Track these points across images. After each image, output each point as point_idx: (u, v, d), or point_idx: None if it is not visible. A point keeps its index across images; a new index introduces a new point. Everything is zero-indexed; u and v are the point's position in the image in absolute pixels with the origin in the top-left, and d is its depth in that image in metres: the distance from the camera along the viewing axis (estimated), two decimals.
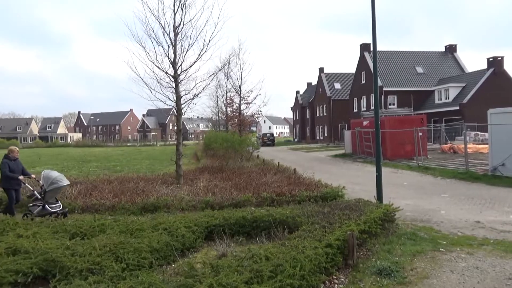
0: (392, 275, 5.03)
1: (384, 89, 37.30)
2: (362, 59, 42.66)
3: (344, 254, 5.37)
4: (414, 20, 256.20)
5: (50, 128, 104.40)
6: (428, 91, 38.58)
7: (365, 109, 40.55)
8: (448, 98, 35.48)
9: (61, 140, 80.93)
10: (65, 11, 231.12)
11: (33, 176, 8.90)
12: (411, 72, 40.53)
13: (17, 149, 9.24)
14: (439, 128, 27.64)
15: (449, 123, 27.74)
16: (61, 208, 8.66)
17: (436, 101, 36.90)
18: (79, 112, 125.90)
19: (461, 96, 33.88)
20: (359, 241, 5.91)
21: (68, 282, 4.53)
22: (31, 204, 8.48)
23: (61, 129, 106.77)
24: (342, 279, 5.04)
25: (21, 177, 8.69)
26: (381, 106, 34.46)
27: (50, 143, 71.37)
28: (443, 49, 44.59)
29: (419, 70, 40.92)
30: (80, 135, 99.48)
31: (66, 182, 8.73)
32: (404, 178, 14.80)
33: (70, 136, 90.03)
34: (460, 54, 44.55)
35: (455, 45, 44.19)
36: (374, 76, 8.80)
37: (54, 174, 8.63)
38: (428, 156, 21.50)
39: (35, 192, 8.47)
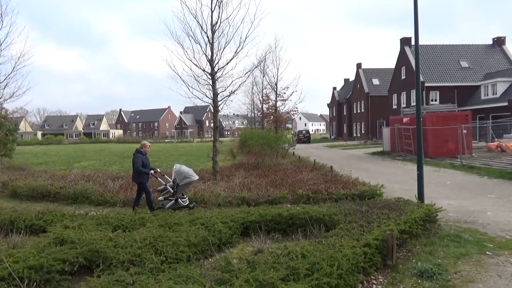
0: (434, 277, 4.84)
1: (426, 84, 35.88)
2: (402, 54, 41.25)
3: (383, 254, 5.23)
4: (455, 11, 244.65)
5: (93, 125, 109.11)
6: (473, 86, 36.71)
7: (405, 105, 39.21)
8: (496, 94, 33.59)
9: (103, 137, 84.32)
10: (104, 12, 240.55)
11: (158, 170, 8.94)
12: (455, 66, 38.71)
13: (149, 144, 9.38)
14: (485, 125, 26.27)
15: (497, 120, 26.25)
16: (188, 202, 8.82)
17: (483, 97, 35.06)
18: (120, 110, 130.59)
19: (510, 92, 31.98)
20: (399, 242, 5.74)
21: (111, 272, 4.72)
22: (162, 198, 8.62)
23: (104, 126, 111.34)
24: (381, 280, 4.91)
25: (152, 172, 8.81)
26: (423, 102, 33.19)
27: (93, 139, 74.55)
28: (490, 42, 42.24)
29: (464, 64, 39.00)
30: (121, 131, 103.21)
31: (196, 177, 8.85)
32: (447, 177, 14.20)
33: (112, 133, 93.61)
34: (510, 47, 42.04)
35: (504, 37, 41.68)
36: (416, 71, 8.48)
37: (186, 168, 8.73)
38: (473, 154, 20.48)
39: (168, 186, 8.57)
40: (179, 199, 8.48)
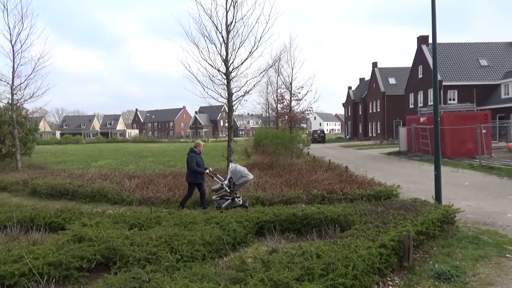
0: (452, 280, 4.76)
1: (444, 83, 35.25)
2: (419, 53, 40.62)
3: (399, 255, 5.17)
4: (473, 8, 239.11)
5: (110, 125, 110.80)
6: (493, 85, 35.89)
7: (422, 104, 38.60)
8: None
9: (120, 136, 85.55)
10: (119, 13, 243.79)
11: (210, 169, 9.01)
12: (473, 65, 37.91)
13: (203, 143, 9.47)
14: (505, 124, 25.65)
15: None
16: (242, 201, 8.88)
17: (503, 96, 34.26)
18: (136, 110, 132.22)
19: None
20: (416, 243, 5.66)
21: (128, 269, 4.79)
22: (218, 198, 8.67)
23: (120, 126, 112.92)
24: (397, 281, 4.85)
25: (207, 171, 8.86)
26: (440, 102, 32.60)
27: (110, 138, 75.68)
28: (510, 40, 41.24)
29: (483, 62, 38.16)
30: (137, 131, 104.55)
31: (251, 176, 8.93)
32: (465, 178, 13.92)
33: (128, 132, 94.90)
34: None
35: None
36: (433, 69, 8.34)
37: (242, 168, 8.80)
38: (493, 154, 20.03)
39: (224, 185, 8.57)
40: (235, 198, 8.52)
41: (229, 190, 8.48)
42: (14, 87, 17.08)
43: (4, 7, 16.60)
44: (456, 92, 36.07)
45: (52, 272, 4.87)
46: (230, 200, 8.44)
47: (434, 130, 8.34)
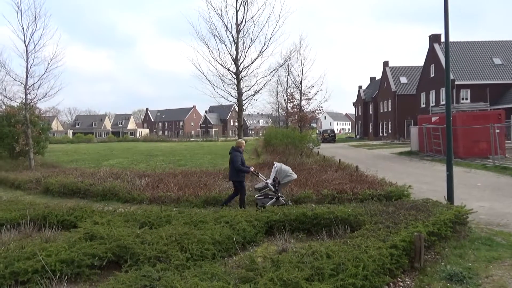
0: (465, 281, 4.69)
1: (456, 82, 34.77)
2: (431, 51, 40.13)
3: (410, 256, 5.12)
4: (485, 6, 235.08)
5: (121, 124, 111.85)
6: (507, 84, 35.28)
7: (434, 104, 38.14)
8: None
9: (130, 135, 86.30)
10: (129, 13, 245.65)
11: (252, 169, 8.97)
12: (487, 63, 37.31)
13: (244, 142, 9.52)
14: None
15: None
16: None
17: None
18: (147, 109, 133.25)
19: None
20: (427, 244, 5.60)
21: (138, 267, 4.83)
22: (261, 196, 8.68)
23: (131, 125, 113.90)
24: (408, 282, 4.81)
25: (252, 169, 8.85)
26: (453, 101, 32.18)
27: (121, 138, 76.44)
28: None
29: (497, 61, 37.53)
30: (147, 130, 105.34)
31: (295, 175, 8.92)
32: (478, 178, 13.72)
33: (139, 132, 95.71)
34: None
35: None
36: (446, 68, 8.24)
37: (286, 167, 8.79)
38: (507, 155, 19.70)
39: (269, 184, 8.53)
40: (280, 197, 8.52)
41: (273, 189, 8.47)
42: (27, 87, 17.36)
43: (18, 8, 16.90)
44: (469, 91, 35.57)
45: (64, 269, 4.94)
46: (274, 199, 8.45)
47: (446, 129, 8.23)
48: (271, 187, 8.47)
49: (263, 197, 8.59)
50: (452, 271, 4.88)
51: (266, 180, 8.71)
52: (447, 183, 7.99)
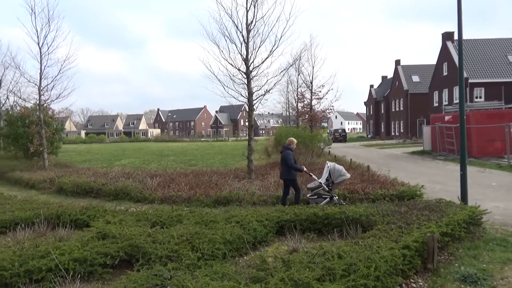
0: (479, 283, 4.61)
1: (470, 81, 34.22)
2: (444, 49, 39.58)
3: (423, 257, 5.05)
4: (497, 2, 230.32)
5: (133, 124, 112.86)
6: None
7: (447, 103, 37.62)
8: None
9: (142, 135, 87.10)
10: (141, 15, 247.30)
11: (305, 169, 8.85)
12: (501, 61, 36.61)
13: (295, 140, 9.39)
14: None
15: None
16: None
17: None
18: (158, 109, 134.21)
19: None
20: (440, 244, 5.52)
21: (150, 267, 4.87)
22: (314, 196, 8.69)
23: (143, 125, 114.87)
24: (421, 283, 4.74)
25: (305, 169, 8.80)
26: (466, 100, 31.69)
27: (133, 138, 77.14)
28: None
29: None
30: (159, 130, 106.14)
31: (349, 175, 8.92)
32: (492, 178, 13.48)
33: (150, 132, 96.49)
34: None
35: None
36: (459, 66, 8.11)
37: (340, 167, 8.76)
38: None
39: (323, 184, 8.49)
40: (334, 197, 8.50)
41: (327, 189, 8.44)
42: (41, 88, 17.63)
43: (32, 11, 17.15)
44: (483, 89, 34.97)
45: (77, 268, 5.01)
46: (328, 198, 8.42)
47: (460, 128, 8.11)
48: (325, 186, 8.42)
49: (316, 196, 8.55)
50: (466, 272, 4.80)
51: (319, 179, 8.63)
52: (460, 183, 7.87)
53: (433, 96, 43.06)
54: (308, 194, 8.83)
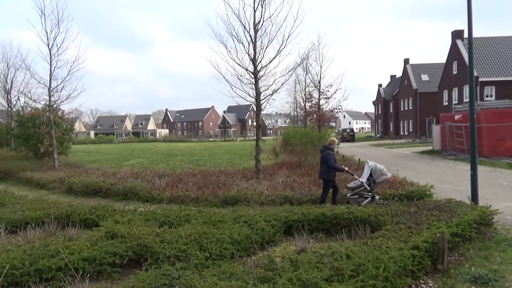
0: (490, 284, 4.54)
1: (480, 79, 33.79)
2: (454, 48, 39.15)
3: (433, 257, 5.00)
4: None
5: (141, 125, 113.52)
6: None
7: (457, 102, 37.21)
8: None
9: (150, 136, 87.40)
10: (148, 15, 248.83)
11: (345, 168, 8.84)
12: None
13: (336, 140, 9.36)
14: None
15: None
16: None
17: None
18: (166, 110, 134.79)
19: None
20: (451, 245, 5.46)
21: (158, 266, 4.89)
22: (355, 196, 8.58)
23: (151, 126, 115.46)
24: (431, 284, 4.69)
25: (346, 168, 8.80)
26: (477, 98, 31.29)
27: (141, 138, 77.51)
28: None
29: None
30: (167, 131, 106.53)
31: (390, 174, 8.88)
32: (503, 178, 13.30)
33: (159, 132, 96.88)
34: None
35: None
36: (469, 65, 8.01)
37: (381, 166, 8.71)
38: None
39: (365, 184, 8.42)
40: (375, 196, 8.45)
41: (369, 189, 8.39)
42: (51, 89, 17.81)
43: (42, 13, 17.33)
44: (493, 88, 34.52)
45: (86, 267, 5.04)
46: (370, 198, 8.36)
47: (470, 128, 8.01)
48: (366, 186, 8.36)
49: (357, 196, 8.50)
50: (477, 274, 4.74)
51: (360, 179, 8.57)
52: (471, 183, 7.78)
53: (443, 95, 42.61)
54: (348, 194, 8.76)
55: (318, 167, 14.84)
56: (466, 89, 34.62)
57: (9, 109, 25.52)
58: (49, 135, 18.55)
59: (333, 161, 8.52)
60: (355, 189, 8.58)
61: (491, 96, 34.36)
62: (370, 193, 8.38)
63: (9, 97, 25.45)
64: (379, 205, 7.96)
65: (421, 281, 4.70)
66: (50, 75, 17.73)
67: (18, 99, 25.30)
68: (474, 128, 7.94)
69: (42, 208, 8.55)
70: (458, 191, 10.16)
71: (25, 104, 22.74)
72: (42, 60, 18.19)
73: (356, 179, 8.73)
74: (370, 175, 8.41)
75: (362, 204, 8.15)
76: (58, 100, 18.29)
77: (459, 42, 38.06)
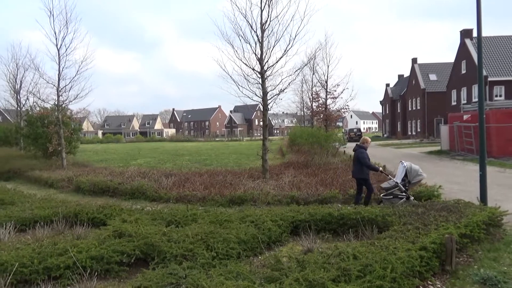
0: (499, 286, 4.49)
1: (490, 79, 33.43)
2: (462, 47, 38.79)
3: (441, 258, 4.96)
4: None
5: (148, 124, 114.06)
6: None
7: (465, 101, 36.85)
8: None
9: (157, 135, 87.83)
10: (156, 16, 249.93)
11: (380, 168, 8.74)
12: None
13: (370, 138, 9.26)
14: None
15: None
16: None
17: None
18: (173, 109, 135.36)
19: None
20: (459, 246, 5.41)
21: (165, 265, 4.91)
22: (389, 196, 8.47)
23: (158, 125, 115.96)
24: (439, 286, 4.65)
25: (380, 168, 8.70)
26: (486, 98, 30.95)
27: (148, 138, 77.89)
28: None
29: None
30: (174, 130, 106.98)
31: (425, 175, 8.75)
32: None
33: (166, 132, 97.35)
34: None
35: None
36: (478, 64, 7.93)
37: (416, 166, 8.62)
38: None
39: (400, 184, 8.31)
40: (410, 197, 8.38)
41: (404, 189, 8.32)
42: (59, 89, 17.95)
43: (51, 13, 17.48)
44: (503, 88, 34.14)
45: (94, 265, 5.09)
46: (404, 198, 8.27)
47: (479, 128, 7.93)
48: (401, 186, 8.29)
49: (392, 196, 8.41)
50: (486, 275, 4.69)
51: (394, 179, 8.49)
52: (480, 183, 7.70)
53: (451, 94, 42.24)
54: (381, 194, 8.67)
55: (325, 167, 14.82)
56: (475, 89, 34.29)
57: (19, 108, 25.78)
58: (57, 135, 18.71)
59: (368, 159, 8.42)
60: (389, 189, 8.47)
61: (500, 96, 33.98)
62: (405, 194, 8.28)
63: (19, 97, 25.72)
64: (414, 205, 7.82)
65: (429, 282, 4.66)
66: (58, 75, 17.89)
67: (27, 99, 25.56)
68: (483, 128, 7.86)
69: (50, 206, 8.63)
70: (466, 192, 10.07)
71: (34, 103, 22.95)
72: (51, 60, 18.38)
73: (390, 179, 8.63)
74: (405, 175, 8.32)
75: (397, 204, 8.01)
76: (66, 100, 18.44)
77: (468, 41, 37.69)
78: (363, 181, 8.59)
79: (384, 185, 8.74)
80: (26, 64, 24.37)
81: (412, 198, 8.36)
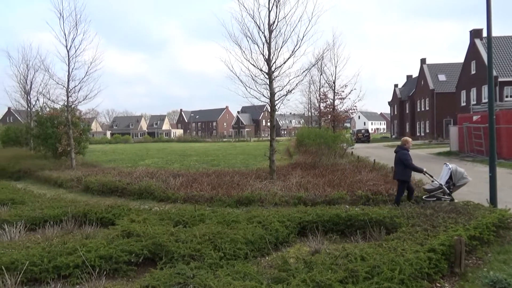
0: None
1: (500, 79, 33.03)
2: (472, 47, 38.39)
3: (450, 261, 4.92)
4: None
5: (156, 125, 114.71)
6: None
7: (475, 102, 36.47)
8: None
9: (165, 136, 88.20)
10: (163, 17, 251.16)
11: (424, 169, 8.50)
12: None
13: (411, 139, 9.12)
14: None
15: None
16: None
17: None
18: (180, 110, 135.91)
19: None
20: (468, 248, 5.36)
21: (173, 265, 4.94)
22: (432, 198, 8.41)
23: (166, 126, 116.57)
24: None
25: (425, 169, 8.46)
26: (496, 99, 30.60)
27: (156, 138, 78.30)
28: None
29: None
30: (181, 131, 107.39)
31: (470, 178, 8.71)
32: None
33: (173, 132, 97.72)
34: None
35: None
36: (488, 64, 7.86)
37: (462, 169, 8.61)
38: None
39: (444, 186, 8.30)
40: (453, 200, 8.31)
41: (448, 192, 8.28)
42: (69, 89, 18.14)
43: (60, 15, 17.66)
44: None
45: (103, 265, 5.13)
46: (448, 201, 8.16)
47: (489, 129, 7.85)
48: (445, 189, 8.23)
49: (435, 198, 8.34)
50: (496, 278, 4.64)
51: (438, 181, 8.42)
52: (489, 185, 7.63)
53: (461, 95, 41.82)
54: (424, 196, 8.59)
55: (333, 168, 14.77)
56: (485, 89, 33.92)
57: (29, 109, 26.07)
58: (67, 135, 18.89)
59: (411, 161, 8.29)
60: (433, 191, 8.38)
61: (510, 96, 33.55)
62: (449, 196, 8.21)
63: (29, 98, 25.99)
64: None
65: (438, 284, 4.63)
66: (68, 76, 18.06)
67: (37, 99, 25.81)
68: (493, 129, 7.78)
69: (60, 206, 8.73)
70: (476, 194, 9.96)
71: (44, 104, 23.18)
72: (61, 61, 18.42)
73: (434, 181, 8.52)
74: (450, 177, 8.25)
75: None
76: (75, 100, 18.62)
77: (477, 41, 37.30)
78: (405, 183, 8.42)
79: (427, 187, 8.63)
80: (36, 65, 24.62)
81: (456, 201, 8.17)
